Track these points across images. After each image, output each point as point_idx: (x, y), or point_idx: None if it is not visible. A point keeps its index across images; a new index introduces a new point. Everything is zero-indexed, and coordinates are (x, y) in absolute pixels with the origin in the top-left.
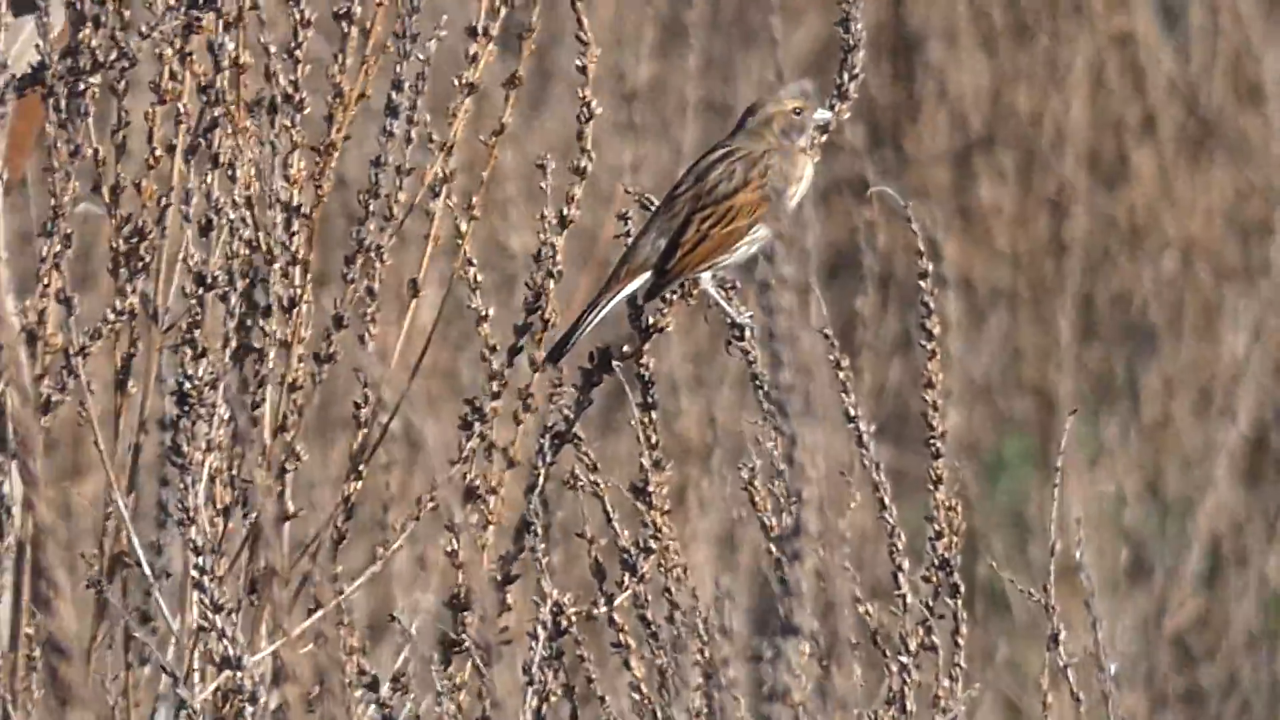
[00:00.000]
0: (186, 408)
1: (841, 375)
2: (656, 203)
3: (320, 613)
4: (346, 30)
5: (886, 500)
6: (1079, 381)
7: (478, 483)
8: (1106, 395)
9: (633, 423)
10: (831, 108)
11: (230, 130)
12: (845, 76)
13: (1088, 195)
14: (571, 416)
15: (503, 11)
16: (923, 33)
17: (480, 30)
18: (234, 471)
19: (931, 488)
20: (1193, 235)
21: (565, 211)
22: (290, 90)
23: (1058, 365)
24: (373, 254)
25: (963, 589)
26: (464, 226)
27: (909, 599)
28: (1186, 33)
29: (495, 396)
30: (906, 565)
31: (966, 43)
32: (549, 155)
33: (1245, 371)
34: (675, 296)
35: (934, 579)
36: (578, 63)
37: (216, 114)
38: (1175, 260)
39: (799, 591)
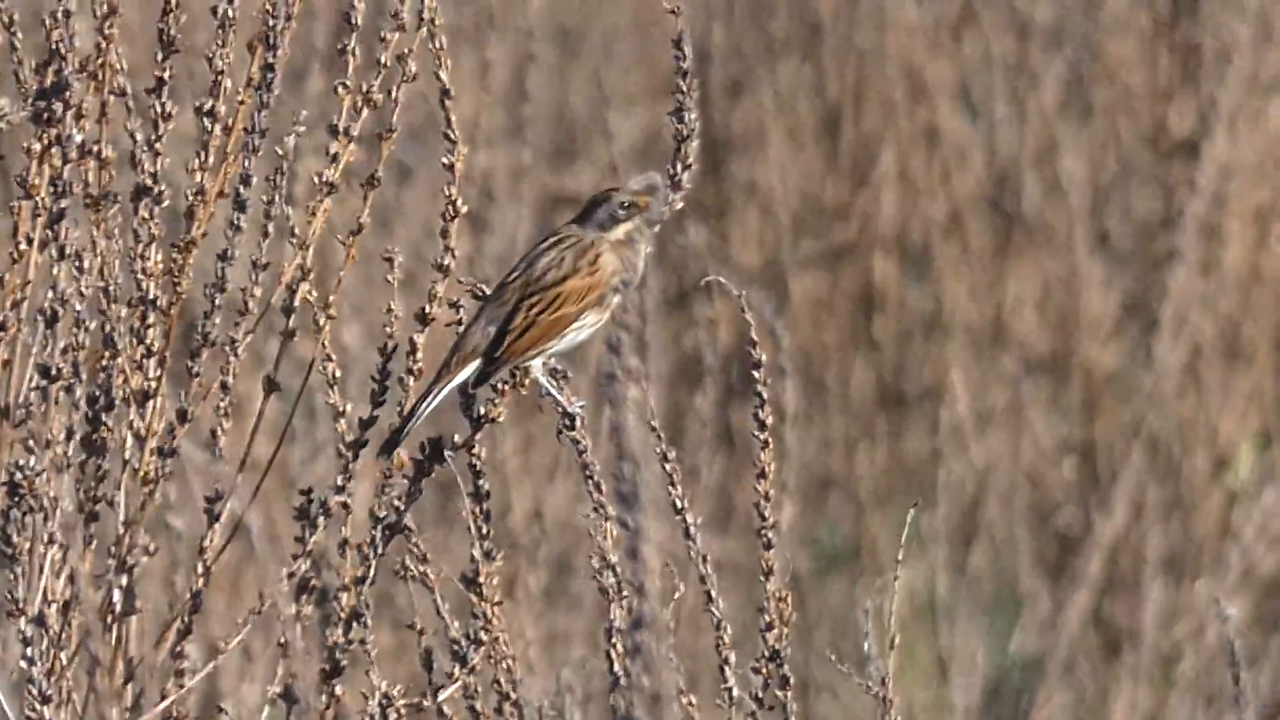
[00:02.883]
0: (17, 498)
1: (668, 468)
2: (488, 291)
3: (160, 707)
4: (209, 128)
5: (713, 593)
6: (888, 474)
7: (311, 576)
8: (916, 488)
9: (464, 513)
10: (667, 198)
11: (80, 221)
12: (679, 167)
13: (896, 288)
14: (402, 507)
15: (365, 112)
16: (731, 128)
17: (341, 130)
18: (76, 565)
19: (763, 579)
20: (1001, 326)
21: (427, 309)
22: (149, 183)
23: (869, 458)
24: (226, 349)
25: (792, 680)
26: (322, 322)
27: (735, 691)
28: (991, 126)
29: (340, 490)
30: (733, 658)
31: (774, 138)
32: (396, 248)
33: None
34: (507, 386)
35: (764, 670)
36: (444, 160)
37: (64, 205)
38: (983, 352)
39: (639, 685)
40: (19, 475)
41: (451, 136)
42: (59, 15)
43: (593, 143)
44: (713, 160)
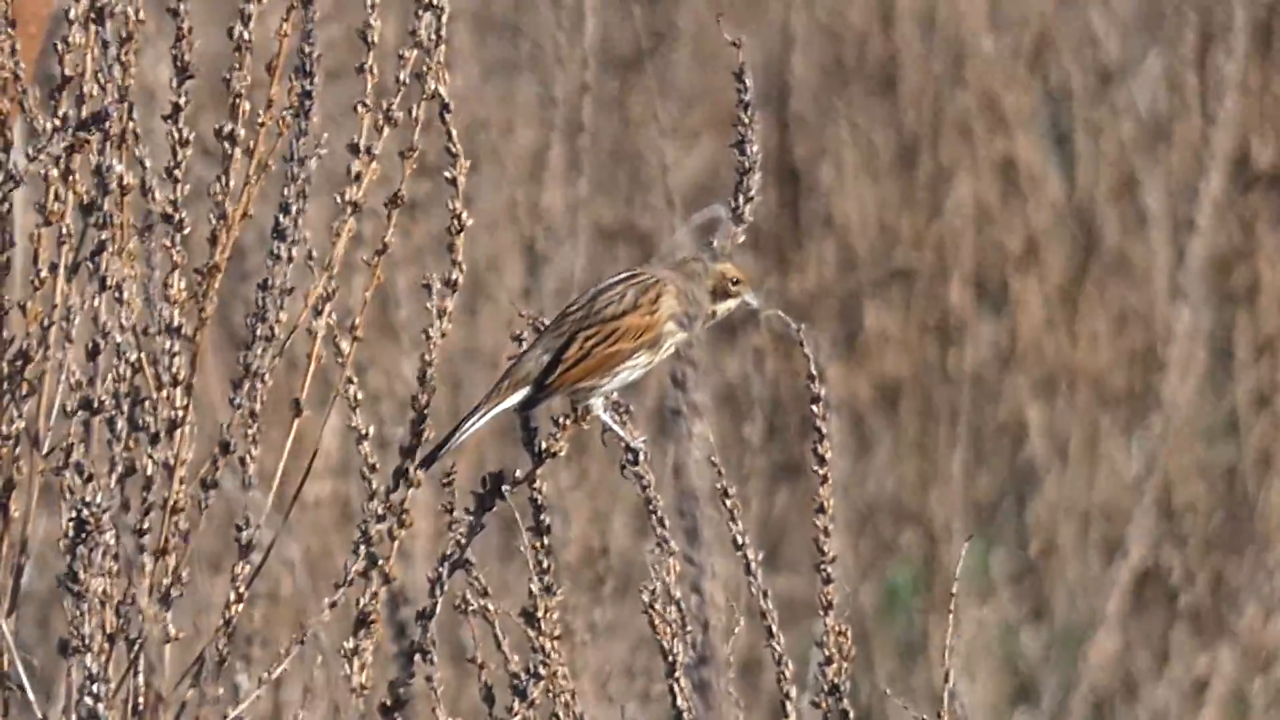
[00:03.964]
0: (84, 534)
1: (729, 503)
2: (546, 324)
3: None
4: (229, 150)
5: (774, 628)
6: (963, 510)
7: (370, 609)
8: (991, 524)
9: (523, 548)
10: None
11: (116, 251)
12: (741, 200)
13: (974, 322)
14: (463, 541)
15: (386, 130)
16: (808, 159)
17: (363, 149)
18: (121, 598)
19: (822, 613)
20: (1078, 362)
21: (438, 325)
22: (169, 210)
23: (940, 495)
24: (254, 378)
25: (852, 715)
26: (345, 346)
27: None
28: (1071, 157)
29: (380, 519)
30: (793, 693)
31: (851, 169)
32: (434, 275)
33: (1140, 502)
34: (569, 420)
35: (823, 705)
36: (447, 174)
37: (103, 236)
38: (1060, 388)
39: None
40: (85, 511)
41: (453, 150)
42: (78, 42)
43: (654, 176)
44: (788, 191)
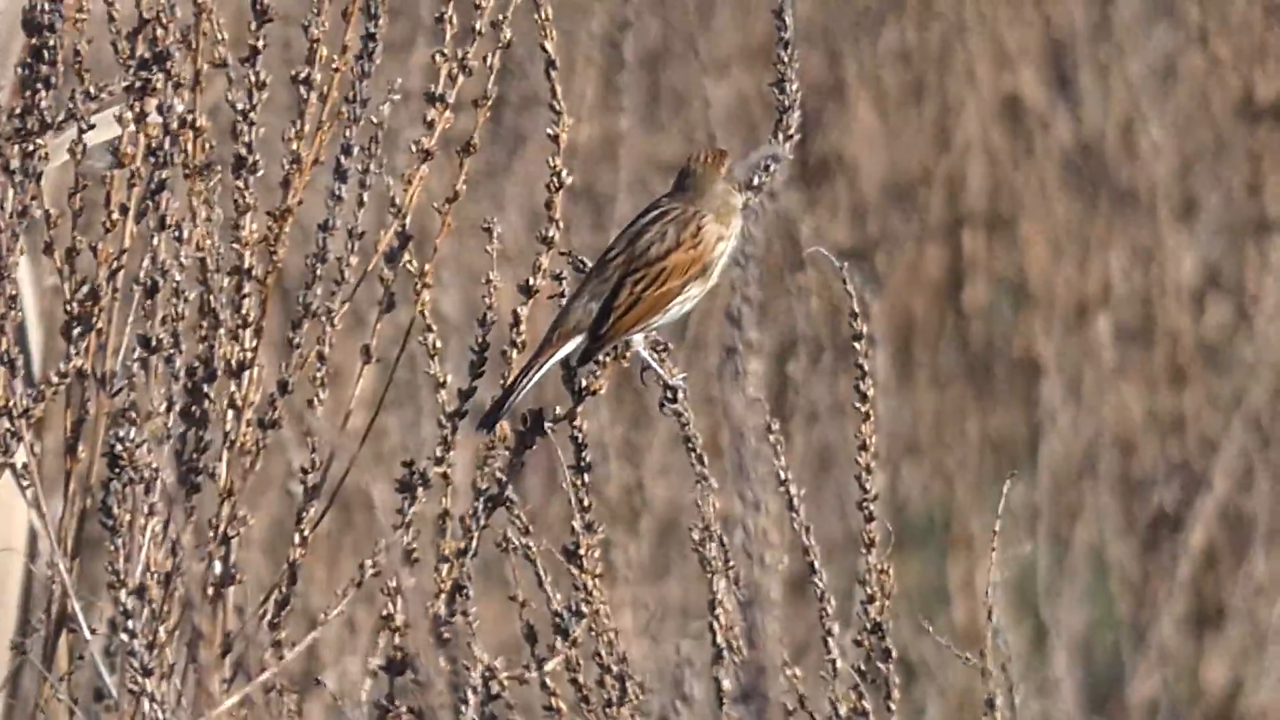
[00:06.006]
0: (118, 469)
1: (772, 439)
2: (589, 264)
3: (260, 679)
4: (305, 96)
5: (816, 564)
6: (978, 448)
7: (414, 547)
8: (1007, 461)
9: (565, 485)
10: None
11: (179, 191)
12: (781, 137)
13: (985, 259)
14: (504, 479)
15: (460, 79)
16: (817, 98)
17: (438, 97)
18: (175, 536)
19: (864, 550)
20: (1088, 297)
21: (531, 281)
22: (244, 153)
23: (959, 432)
24: (323, 319)
25: (894, 653)
26: (424, 295)
27: (839, 664)
28: (1077, 95)
29: (439, 462)
30: (836, 629)
31: (860, 106)
32: (494, 219)
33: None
34: (609, 359)
35: (865, 643)
36: (549, 131)
37: (164, 176)
38: (1070, 322)
39: (764, 659)
40: (119, 447)
41: (556, 107)
42: None
43: (686, 109)
44: (799, 130)
